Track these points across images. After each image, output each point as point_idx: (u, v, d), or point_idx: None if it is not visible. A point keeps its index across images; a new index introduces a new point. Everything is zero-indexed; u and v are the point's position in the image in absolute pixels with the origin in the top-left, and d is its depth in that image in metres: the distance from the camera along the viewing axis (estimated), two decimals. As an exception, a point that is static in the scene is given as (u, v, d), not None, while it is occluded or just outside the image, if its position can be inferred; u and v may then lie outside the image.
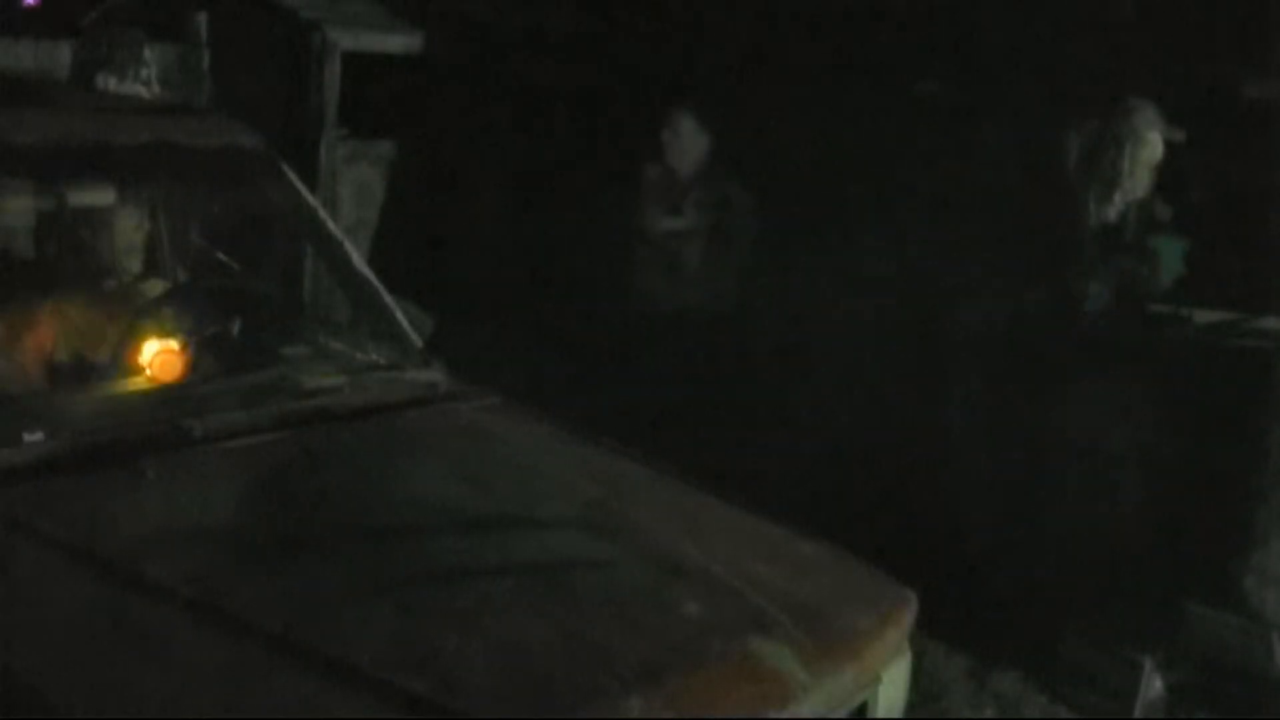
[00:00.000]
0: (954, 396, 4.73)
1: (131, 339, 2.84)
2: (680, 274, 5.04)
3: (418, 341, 3.20)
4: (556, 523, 2.55)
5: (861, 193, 5.41)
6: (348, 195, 6.52)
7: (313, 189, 3.38)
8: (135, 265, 3.23)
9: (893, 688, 2.50)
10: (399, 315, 3.22)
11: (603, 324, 5.36)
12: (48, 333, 2.91)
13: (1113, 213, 4.29)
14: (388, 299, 3.24)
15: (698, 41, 6.11)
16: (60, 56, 5.61)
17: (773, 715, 2.16)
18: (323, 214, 3.30)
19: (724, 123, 5.15)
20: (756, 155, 5.35)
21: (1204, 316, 4.09)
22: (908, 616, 2.55)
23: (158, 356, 2.79)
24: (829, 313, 5.41)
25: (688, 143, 5.01)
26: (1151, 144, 4.24)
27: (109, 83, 4.51)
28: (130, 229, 3.20)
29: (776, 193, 5.32)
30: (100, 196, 3.15)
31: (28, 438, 2.43)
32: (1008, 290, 4.54)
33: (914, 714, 2.67)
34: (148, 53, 4.79)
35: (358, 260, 3.29)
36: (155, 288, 3.18)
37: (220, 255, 3.33)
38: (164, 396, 2.71)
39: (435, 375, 3.11)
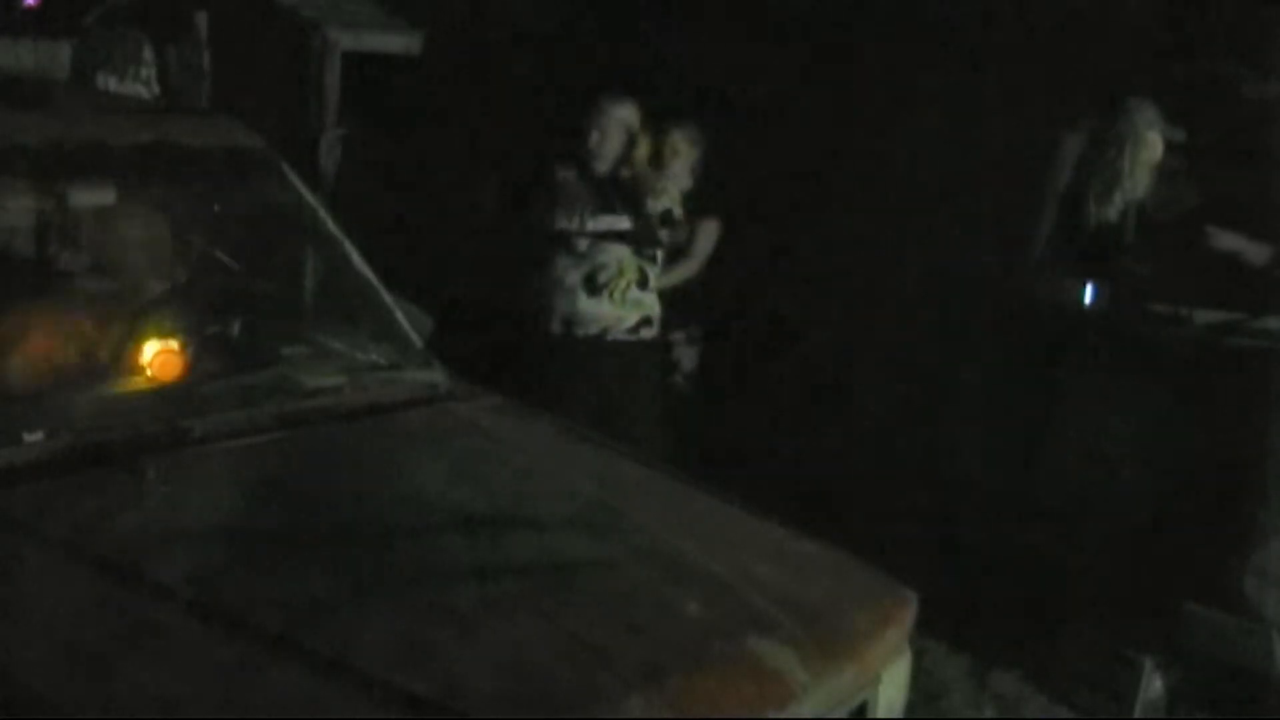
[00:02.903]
0: (954, 396, 4.73)
1: (131, 339, 2.84)
2: (610, 288, 4.43)
3: (418, 341, 3.20)
4: (556, 523, 2.55)
5: (849, 192, 5.40)
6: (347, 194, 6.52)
7: (313, 189, 3.38)
8: (135, 265, 3.23)
9: (893, 688, 2.50)
10: (399, 315, 3.22)
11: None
12: (48, 332, 2.91)
13: (1113, 213, 4.29)
14: (388, 299, 3.24)
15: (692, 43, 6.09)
16: (60, 56, 5.61)
17: (772, 715, 2.17)
18: (323, 214, 3.30)
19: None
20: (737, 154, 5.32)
21: (1204, 316, 4.09)
22: (908, 616, 2.55)
23: (158, 356, 2.79)
24: (817, 312, 5.40)
25: (615, 143, 4.46)
26: (1151, 144, 4.25)
27: (109, 83, 4.48)
28: (130, 229, 3.20)
29: (753, 192, 5.30)
30: (100, 196, 3.15)
31: (28, 438, 2.43)
32: (1007, 289, 4.55)
33: (914, 714, 2.67)
34: (148, 53, 4.75)
35: (358, 260, 3.29)
36: (155, 288, 3.18)
37: (220, 255, 3.33)
38: (164, 396, 2.71)
39: (435, 375, 3.11)
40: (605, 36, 6.07)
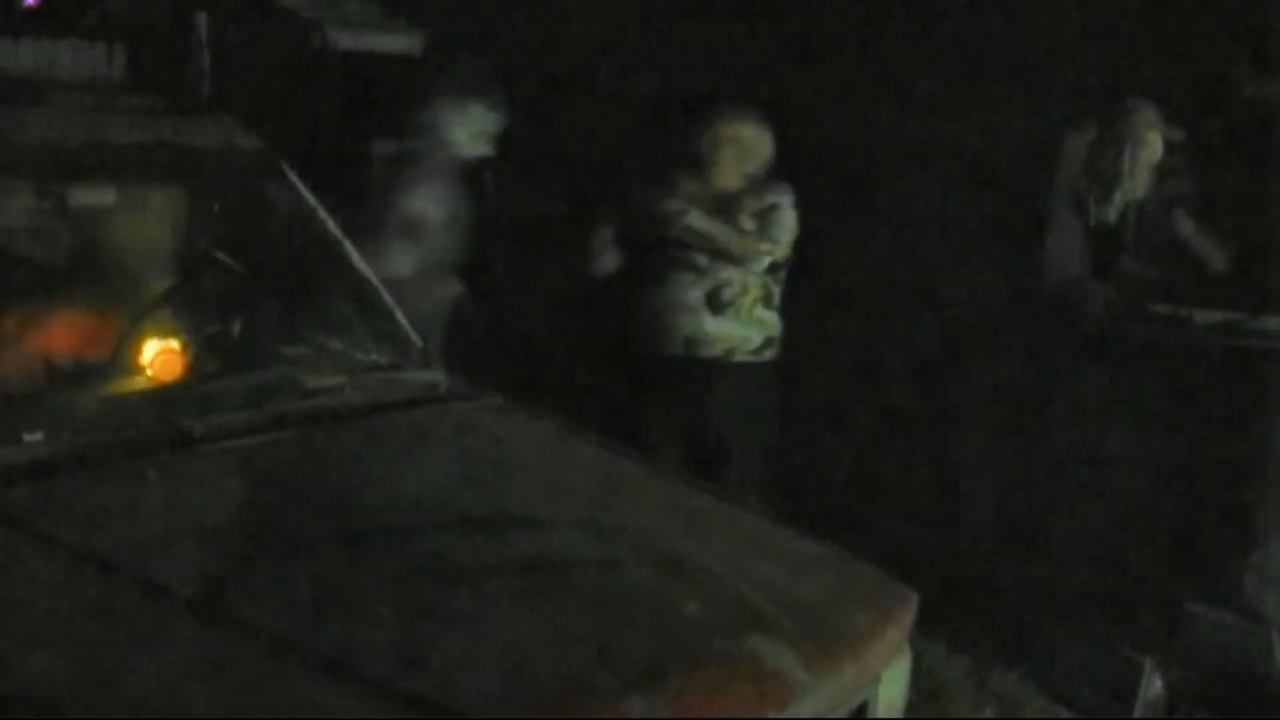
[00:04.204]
0: (954, 396, 4.73)
1: (131, 339, 2.84)
2: (735, 306, 4.13)
3: (418, 341, 3.20)
4: (556, 523, 2.55)
5: (857, 193, 5.39)
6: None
7: (314, 190, 3.38)
8: (136, 265, 3.23)
9: (893, 688, 2.50)
10: (399, 315, 3.22)
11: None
12: (48, 333, 2.91)
13: (1113, 213, 4.30)
14: (388, 299, 3.24)
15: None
16: (60, 57, 5.59)
17: (773, 715, 2.16)
18: (323, 214, 3.30)
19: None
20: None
21: (1204, 316, 4.09)
22: (908, 616, 2.55)
23: (158, 356, 2.79)
24: (823, 309, 5.38)
25: (748, 148, 4.17)
26: (1151, 144, 4.25)
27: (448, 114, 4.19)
28: (130, 229, 3.20)
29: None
30: (100, 196, 3.15)
31: (28, 438, 2.44)
32: (1008, 290, 4.55)
33: (914, 714, 2.67)
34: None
35: (358, 260, 3.29)
36: (155, 288, 3.18)
37: (220, 255, 3.33)
38: (164, 396, 2.71)
39: (435, 375, 3.11)
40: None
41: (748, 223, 4.15)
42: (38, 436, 2.44)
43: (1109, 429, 4.11)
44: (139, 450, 2.48)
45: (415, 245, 4.03)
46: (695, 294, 4.13)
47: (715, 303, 4.12)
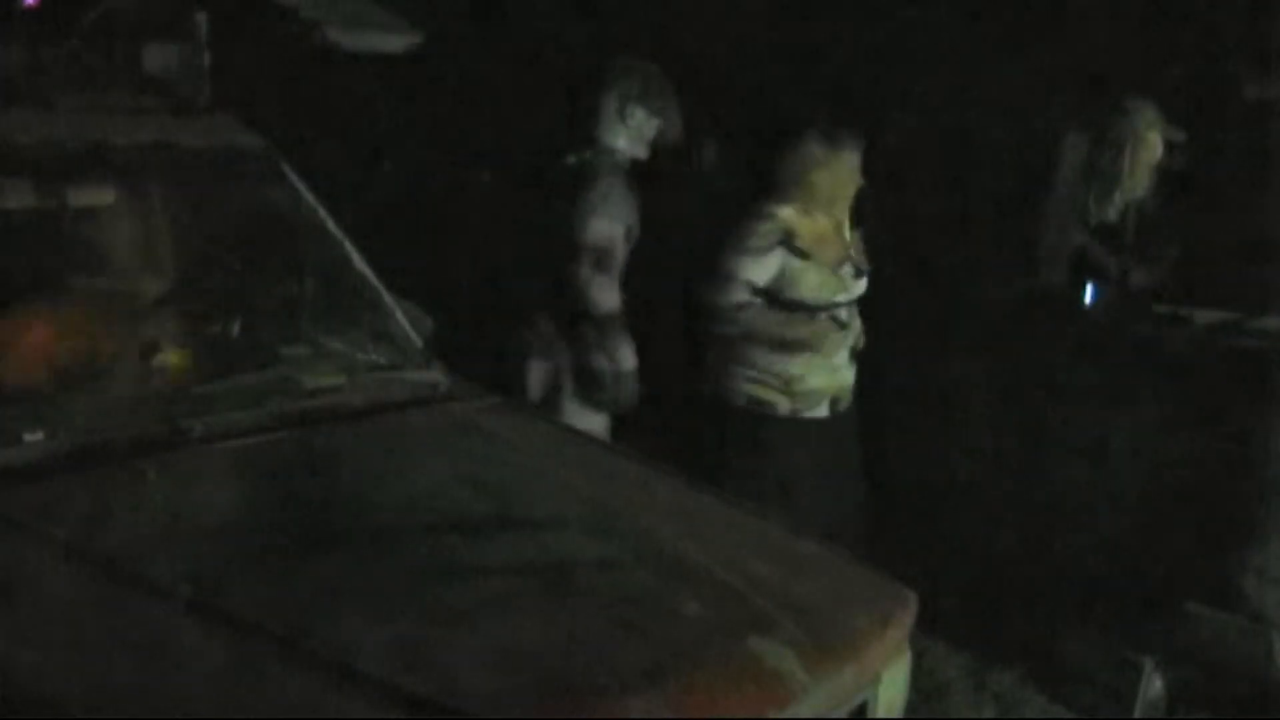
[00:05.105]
0: (954, 396, 4.73)
1: (131, 339, 2.84)
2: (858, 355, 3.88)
3: (418, 341, 3.20)
4: (557, 523, 2.55)
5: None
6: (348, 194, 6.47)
7: (313, 189, 3.37)
8: (135, 265, 3.23)
9: (893, 688, 2.51)
10: (399, 315, 3.22)
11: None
12: (48, 333, 2.91)
13: (1113, 213, 4.30)
14: (388, 299, 3.24)
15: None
16: (60, 56, 5.57)
17: (773, 715, 2.17)
18: (323, 214, 3.30)
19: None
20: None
21: (1204, 316, 4.10)
22: (908, 616, 2.55)
23: (158, 356, 2.79)
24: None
25: (850, 163, 3.80)
26: (1151, 144, 4.25)
27: (637, 114, 3.88)
28: (130, 229, 3.20)
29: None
30: (100, 196, 3.15)
31: (28, 438, 2.44)
32: (1009, 291, 4.55)
33: (914, 714, 2.67)
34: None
35: (358, 260, 3.29)
36: (155, 288, 3.18)
37: (220, 255, 3.33)
38: (164, 396, 2.71)
39: (435, 375, 3.11)
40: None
41: (861, 260, 3.91)
42: (38, 436, 2.45)
43: (1109, 429, 4.11)
44: (139, 450, 2.48)
45: (607, 276, 3.76)
46: (843, 353, 3.85)
47: (853, 357, 3.89)
